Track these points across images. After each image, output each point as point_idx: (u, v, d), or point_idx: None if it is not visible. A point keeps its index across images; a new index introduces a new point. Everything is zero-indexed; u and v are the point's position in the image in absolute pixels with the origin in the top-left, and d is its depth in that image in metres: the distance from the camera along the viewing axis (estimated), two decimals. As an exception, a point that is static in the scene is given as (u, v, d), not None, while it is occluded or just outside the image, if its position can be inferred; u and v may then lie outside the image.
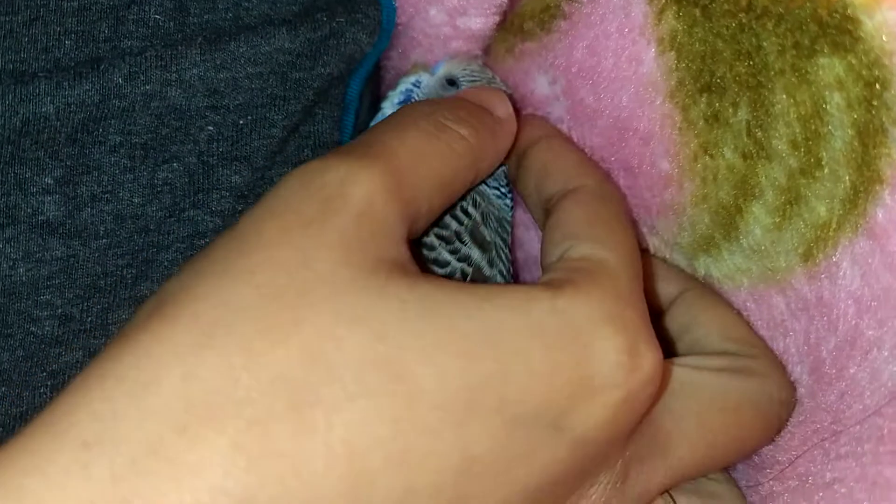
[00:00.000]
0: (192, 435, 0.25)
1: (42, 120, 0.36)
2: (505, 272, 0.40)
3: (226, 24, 0.39)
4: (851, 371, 0.35)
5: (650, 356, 0.31)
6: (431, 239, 0.38)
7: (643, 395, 0.31)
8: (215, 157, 0.39)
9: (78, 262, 0.37)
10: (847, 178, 0.34)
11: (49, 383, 0.37)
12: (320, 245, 0.28)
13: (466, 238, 0.39)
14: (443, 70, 0.43)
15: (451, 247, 0.38)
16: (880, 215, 0.33)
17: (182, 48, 0.38)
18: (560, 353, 0.29)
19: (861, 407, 0.35)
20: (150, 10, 0.38)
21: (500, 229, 0.41)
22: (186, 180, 0.38)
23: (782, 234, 0.36)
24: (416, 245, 0.38)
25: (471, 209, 0.39)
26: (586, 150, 0.42)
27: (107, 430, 0.25)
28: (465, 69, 0.42)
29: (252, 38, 0.39)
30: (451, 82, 0.42)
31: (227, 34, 0.38)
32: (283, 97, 0.40)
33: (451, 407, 0.27)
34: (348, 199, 0.29)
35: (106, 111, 0.37)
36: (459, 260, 0.38)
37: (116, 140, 0.37)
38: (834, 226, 0.35)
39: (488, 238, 0.39)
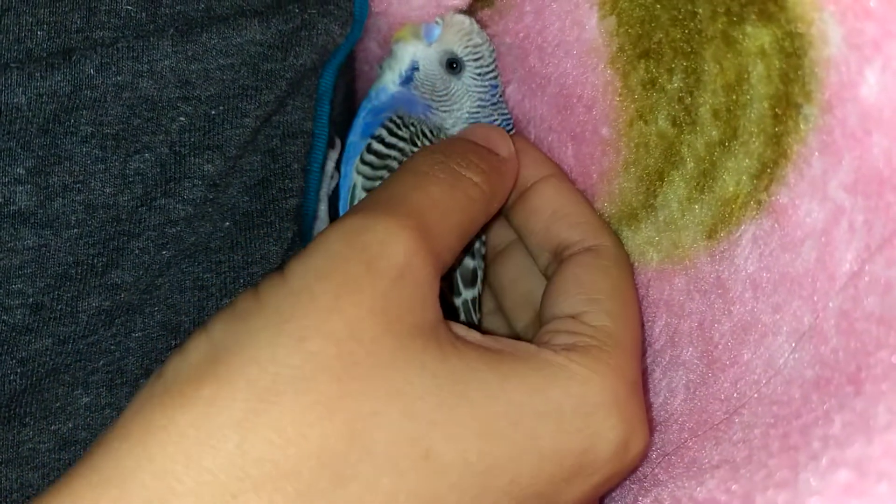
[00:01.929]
0: (242, 502, 0.27)
1: (14, 110, 0.36)
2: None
3: (198, 15, 0.39)
4: (746, 357, 0.35)
5: (641, 443, 0.34)
6: None
7: (628, 471, 0.35)
8: (187, 147, 0.39)
9: (49, 252, 0.37)
10: (757, 152, 0.34)
11: (19, 370, 0.37)
12: (366, 313, 0.30)
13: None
14: (441, 44, 0.42)
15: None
16: (783, 195, 0.33)
17: (154, 39, 0.38)
18: (569, 437, 0.32)
19: (756, 396, 0.35)
20: (122, 1, 0.38)
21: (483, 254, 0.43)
22: (158, 170, 0.39)
23: (693, 207, 0.37)
24: None
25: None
26: (535, 120, 0.42)
27: (167, 488, 0.27)
28: (466, 46, 0.41)
29: (224, 30, 0.39)
30: (454, 63, 0.41)
31: (199, 25, 0.38)
32: (256, 88, 0.40)
33: (468, 486, 0.30)
34: (390, 259, 0.31)
35: (77, 102, 0.37)
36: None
37: (88, 131, 0.37)
38: (740, 202, 0.35)
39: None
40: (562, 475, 0.32)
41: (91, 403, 0.39)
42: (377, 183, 0.41)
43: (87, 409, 0.39)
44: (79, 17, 0.37)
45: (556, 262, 0.39)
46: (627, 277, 0.38)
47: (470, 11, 0.42)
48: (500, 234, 0.44)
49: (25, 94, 0.36)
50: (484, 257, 0.43)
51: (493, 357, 0.32)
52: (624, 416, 0.33)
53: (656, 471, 0.37)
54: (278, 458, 0.28)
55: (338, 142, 0.44)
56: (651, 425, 0.38)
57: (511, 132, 0.42)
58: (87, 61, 0.37)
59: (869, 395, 0.30)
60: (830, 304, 0.32)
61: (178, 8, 0.38)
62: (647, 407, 0.39)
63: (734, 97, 0.34)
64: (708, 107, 0.35)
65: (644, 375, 0.39)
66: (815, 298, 0.33)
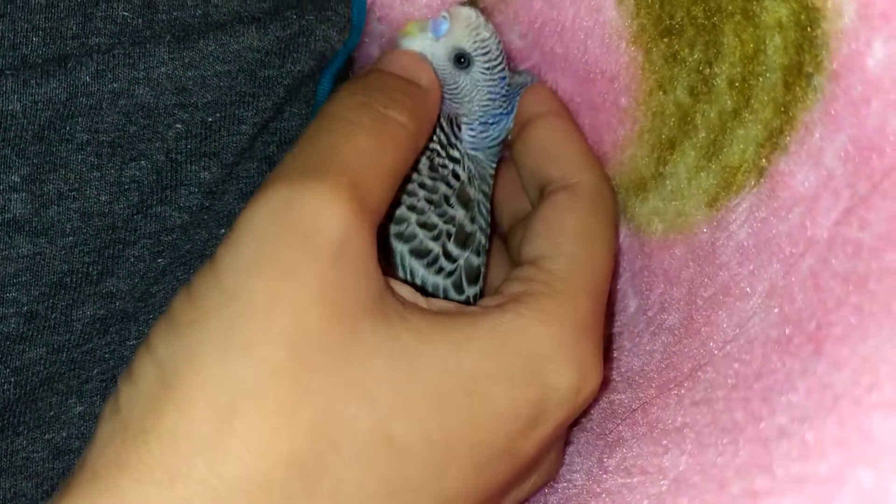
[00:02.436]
0: None
1: (9, 117, 0.36)
2: (484, 224, 0.42)
3: (195, 21, 0.38)
4: (719, 318, 0.36)
5: (594, 382, 0.34)
6: (402, 211, 0.40)
7: (581, 409, 0.35)
8: (183, 155, 0.39)
9: (44, 260, 0.37)
10: (765, 120, 0.35)
11: (13, 379, 0.37)
12: (310, 303, 0.29)
13: (453, 200, 0.40)
14: (449, 39, 0.41)
15: (439, 210, 0.40)
16: (782, 163, 0.34)
17: (150, 46, 0.37)
18: (522, 393, 0.32)
19: (721, 354, 0.35)
20: (118, 7, 0.37)
21: (482, 185, 0.42)
22: (154, 177, 0.38)
23: (699, 175, 0.37)
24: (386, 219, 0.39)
25: (461, 172, 0.41)
26: (557, 92, 0.43)
27: None
28: (474, 41, 0.41)
29: (221, 37, 0.39)
30: (461, 59, 0.41)
31: (195, 32, 0.38)
32: (253, 94, 0.40)
33: (432, 461, 0.30)
34: (327, 235, 0.30)
35: (73, 109, 0.37)
36: (446, 222, 0.40)
37: (83, 138, 0.37)
38: (743, 169, 0.36)
39: (472, 196, 0.41)
40: (519, 429, 0.32)
41: (85, 412, 0.39)
42: None
43: (81, 418, 0.39)
44: (75, 24, 0.37)
45: (539, 200, 0.39)
46: (601, 215, 0.38)
47: (473, 4, 0.42)
48: (522, 202, 0.43)
49: (21, 101, 0.36)
50: (489, 253, 0.42)
51: (443, 323, 0.32)
52: (573, 362, 0.33)
53: (621, 427, 0.38)
54: (249, 473, 0.28)
55: None
56: (622, 386, 0.39)
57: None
58: (83, 68, 0.36)
59: (830, 358, 0.30)
60: (803, 265, 0.33)
61: (174, 14, 0.38)
62: (620, 376, 0.39)
63: (751, 67, 0.35)
64: (725, 77, 0.36)
65: (632, 341, 0.40)
66: (791, 261, 0.33)
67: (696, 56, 0.37)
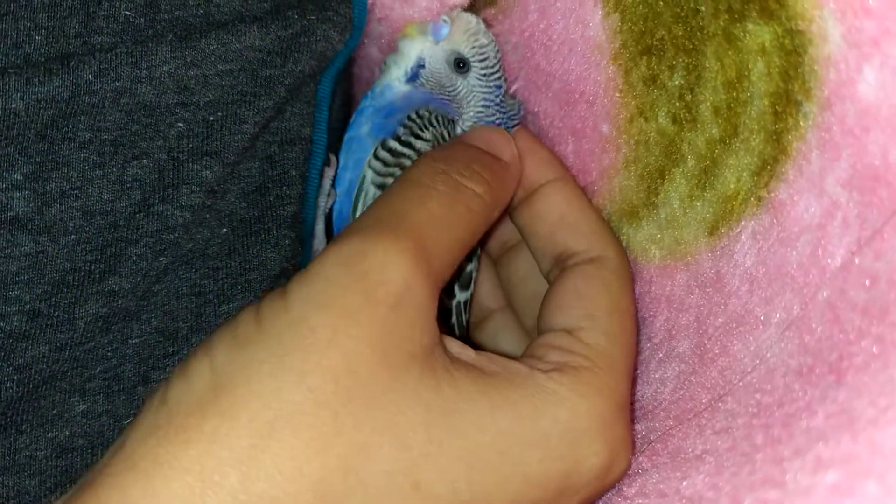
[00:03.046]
0: None
1: (11, 116, 0.36)
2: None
3: (197, 20, 0.39)
4: (735, 348, 0.36)
5: (624, 464, 0.35)
6: None
7: (608, 489, 0.35)
8: (185, 153, 0.39)
9: (47, 258, 0.37)
10: (758, 149, 0.35)
11: (16, 377, 0.37)
12: (363, 345, 0.30)
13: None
14: (448, 43, 0.41)
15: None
16: (782, 191, 0.34)
17: (152, 45, 0.38)
18: (554, 463, 0.32)
19: (742, 384, 0.35)
20: (120, 6, 0.37)
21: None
22: (156, 176, 0.39)
23: (695, 204, 0.37)
24: None
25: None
26: (539, 116, 0.42)
27: None
28: (473, 46, 0.41)
29: (223, 36, 0.39)
30: (461, 63, 0.41)
31: (197, 31, 0.38)
32: (255, 94, 0.40)
33: None
34: (388, 287, 0.31)
35: (76, 108, 0.37)
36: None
37: (86, 136, 0.37)
38: (741, 198, 0.35)
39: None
40: (545, 498, 0.33)
41: (88, 410, 0.39)
42: (388, 180, 0.41)
43: (83, 417, 0.39)
44: (77, 23, 0.37)
45: (557, 270, 0.39)
46: (628, 292, 0.38)
47: (472, 11, 0.42)
48: (512, 230, 0.43)
49: (23, 100, 0.36)
50: (479, 258, 0.43)
51: (485, 382, 0.32)
52: (608, 440, 0.33)
53: (640, 459, 0.38)
54: (277, 493, 0.29)
55: (333, 159, 0.44)
56: (636, 416, 0.39)
57: (517, 125, 0.42)
58: (86, 67, 0.37)
59: (851, 386, 0.30)
60: (819, 296, 0.33)
61: (176, 14, 0.38)
62: (632, 405, 0.39)
63: (735, 94, 0.35)
64: (709, 104, 0.36)
65: (636, 369, 0.40)
66: (805, 291, 0.33)
67: (676, 81, 0.37)
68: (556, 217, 0.40)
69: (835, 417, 0.30)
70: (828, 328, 0.32)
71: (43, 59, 0.36)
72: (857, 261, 0.31)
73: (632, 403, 0.39)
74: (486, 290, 0.45)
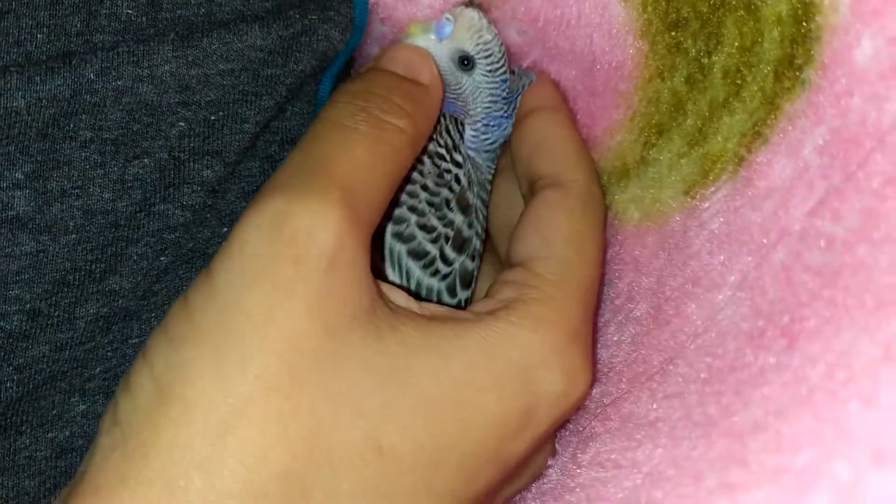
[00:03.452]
0: None
1: (13, 114, 0.36)
2: (480, 230, 0.42)
3: (198, 19, 0.38)
4: (689, 310, 0.36)
5: (584, 385, 0.35)
6: (403, 212, 0.40)
7: (571, 412, 0.35)
8: (186, 153, 0.39)
9: (47, 258, 0.37)
10: (751, 110, 0.35)
11: (15, 377, 0.37)
12: (302, 318, 0.29)
13: (454, 205, 0.41)
14: (453, 41, 0.41)
15: (439, 213, 0.40)
16: (761, 154, 0.34)
17: (154, 44, 0.37)
18: (512, 401, 0.32)
19: (693, 347, 0.35)
20: (122, 5, 0.37)
21: (481, 192, 0.42)
22: (157, 176, 0.38)
23: (681, 162, 0.38)
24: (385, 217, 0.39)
25: (462, 178, 0.41)
26: (560, 81, 0.43)
27: None
28: (477, 43, 0.41)
29: (224, 35, 0.39)
30: (465, 61, 0.41)
31: (199, 30, 0.38)
32: (256, 93, 0.40)
33: (422, 468, 0.31)
34: (319, 249, 0.30)
35: (77, 106, 0.37)
36: (445, 225, 0.40)
37: (87, 135, 0.37)
38: (724, 158, 0.36)
39: (471, 202, 0.41)
40: (508, 436, 0.33)
41: (88, 411, 0.39)
42: None
43: (83, 417, 0.39)
44: (79, 21, 0.37)
45: (530, 194, 0.39)
46: (592, 218, 0.38)
47: (474, 5, 0.42)
48: None
49: (25, 98, 0.36)
50: (481, 256, 0.42)
51: (433, 333, 0.32)
52: (563, 367, 0.34)
53: (593, 423, 0.38)
54: (245, 486, 0.28)
55: None
56: (595, 376, 0.38)
57: None
58: (87, 65, 0.36)
59: (803, 352, 0.30)
60: (774, 258, 0.33)
61: (178, 13, 0.38)
62: (593, 351, 0.39)
63: (745, 59, 0.35)
64: (720, 66, 0.36)
65: (597, 331, 0.40)
66: (762, 252, 0.33)
67: (698, 46, 0.37)
68: (535, 141, 0.40)
69: (790, 387, 0.30)
70: (781, 290, 0.32)
71: (44, 58, 0.36)
72: (815, 222, 0.32)
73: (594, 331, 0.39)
74: (484, 277, 0.45)
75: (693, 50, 0.38)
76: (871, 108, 0.30)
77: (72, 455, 0.38)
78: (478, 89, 0.41)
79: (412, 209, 0.40)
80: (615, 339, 0.39)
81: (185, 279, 0.40)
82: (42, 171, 0.37)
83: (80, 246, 0.37)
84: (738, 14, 0.36)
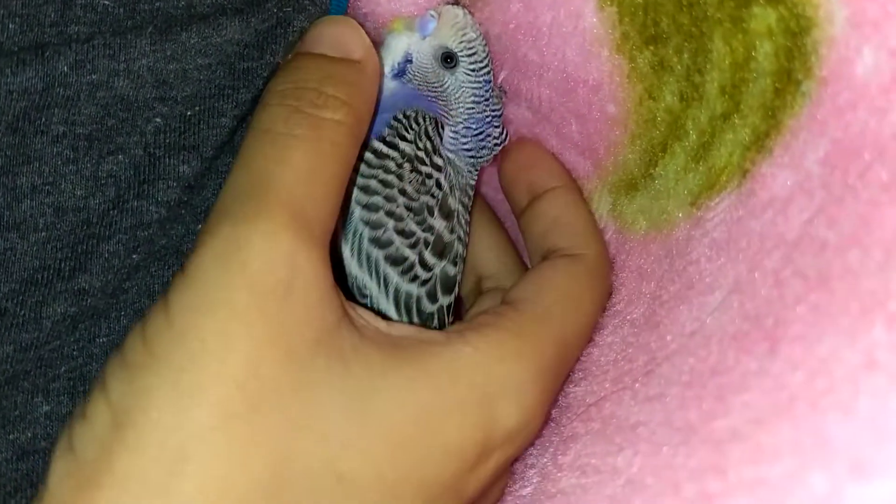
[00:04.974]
0: None
1: None
2: (462, 234, 0.42)
3: (178, 12, 0.37)
4: (680, 312, 0.36)
5: (536, 424, 0.35)
6: (380, 216, 0.39)
7: (522, 448, 0.35)
8: (162, 149, 0.38)
9: (15, 256, 0.36)
10: (753, 124, 0.35)
11: None
12: (261, 345, 0.29)
13: (435, 210, 0.40)
14: (436, 38, 0.41)
15: (419, 217, 0.40)
16: (765, 166, 0.34)
17: (131, 37, 0.36)
18: (471, 429, 0.32)
19: (677, 348, 0.36)
20: None
21: (463, 197, 0.42)
22: (131, 172, 0.37)
23: (687, 176, 0.38)
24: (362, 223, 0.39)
25: (443, 182, 0.40)
26: (534, 101, 0.42)
27: None
28: (461, 41, 0.40)
29: (204, 29, 0.37)
30: (448, 59, 0.40)
31: (178, 24, 0.37)
32: (233, 87, 0.39)
33: (382, 497, 0.30)
34: (274, 274, 0.30)
35: (49, 100, 0.35)
36: (424, 230, 0.40)
37: (59, 130, 0.36)
38: (728, 171, 0.36)
39: (453, 207, 0.41)
40: (465, 466, 0.32)
41: (51, 412, 0.38)
42: (371, 182, 0.40)
43: (47, 418, 0.38)
44: (53, 11, 0.35)
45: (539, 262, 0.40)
46: (594, 288, 0.38)
47: (459, 4, 0.41)
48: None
49: None
50: (465, 260, 0.42)
51: (399, 356, 0.32)
52: (524, 404, 0.34)
53: (575, 423, 0.38)
54: None
55: None
56: (578, 377, 0.39)
57: (503, 134, 0.42)
58: (61, 58, 0.35)
59: (785, 358, 0.30)
60: (768, 263, 0.33)
61: (157, 4, 0.37)
62: (579, 364, 0.40)
63: (741, 74, 0.35)
64: (715, 83, 0.36)
65: (595, 332, 0.40)
66: (758, 258, 0.33)
67: (684, 63, 0.37)
68: (551, 218, 0.40)
69: (771, 394, 0.30)
70: (769, 293, 0.32)
71: (16, 49, 0.35)
72: (811, 230, 0.32)
73: (583, 357, 0.40)
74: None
75: (679, 67, 0.37)
76: (873, 119, 0.31)
77: (34, 457, 0.37)
78: (460, 88, 0.41)
79: (389, 214, 0.39)
80: (608, 339, 0.40)
81: (157, 277, 0.39)
82: (12, 166, 0.35)
83: (50, 244, 0.36)
84: (725, 27, 0.35)
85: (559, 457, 0.37)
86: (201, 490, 0.28)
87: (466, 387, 0.32)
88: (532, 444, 0.38)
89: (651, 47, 0.38)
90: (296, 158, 0.32)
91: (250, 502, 0.29)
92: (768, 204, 0.34)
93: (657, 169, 0.39)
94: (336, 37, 0.37)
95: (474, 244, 0.44)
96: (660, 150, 0.39)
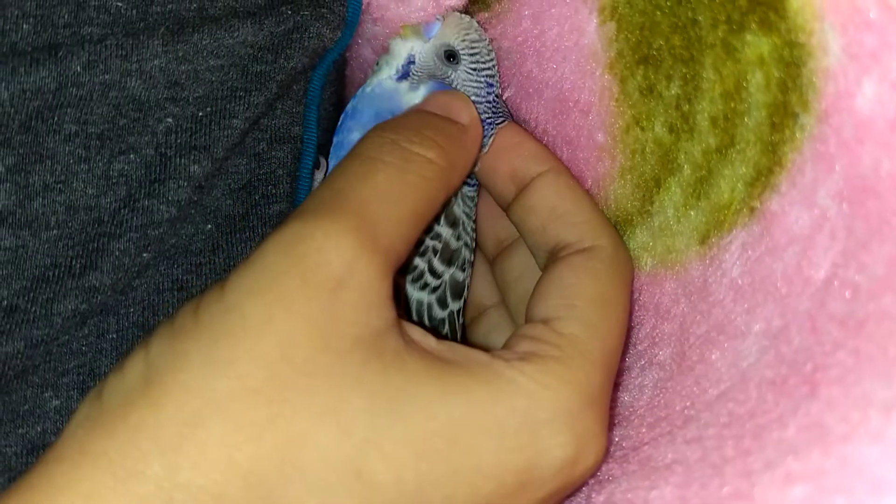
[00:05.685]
0: None
1: None
2: (469, 241, 0.42)
3: (190, 14, 0.38)
4: (713, 357, 0.36)
5: (593, 457, 0.33)
6: None
7: (579, 483, 0.33)
8: (173, 149, 0.38)
9: (27, 253, 0.36)
10: (753, 160, 0.34)
11: None
12: (300, 330, 0.29)
13: (441, 218, 0.40)
14: (439, 38, 0.41)
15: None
16: (774, 202, 0.34)
17: (144, 38, 0.36)
18: (511, 455, 0.31)
19: (716, 394, 0.35)
20: None
21: (466, 208, 0.42)
22: (143, 172, 0.38)
23: (689, 213, 0.37)
24: None
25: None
26: (531, 124, 0.42)
27: None
28: (463, 39, 0.40)
29: (216, 31, 0.38)
30: (451, 55, 0.40)
31: (190, 25, 0.37)
32: (245, 89, 0.39)
33: (403, 503, 0.30)
34: (327, 270, 0.30)
35: (62, 99, 0.36)
36: (432, 238, 0.40)
37: (72, 129, 0.36)
38: (733, 208, 0.35)
39: (458, 215, 0.41)
40: (502, 492, 0.31)
41: (61, 406, 0.38)
42: None
43: (56, 413, 0.38)
44: (67, 12, 0.36)
45: (551, 262, 0.38)
46: (618, 282, 0.37)
47: (467, 14, 0.42)
48: (508, 228, 0.42)
49: (8, 90, 0.35)
50: (472, 266, 0.42)
51: (440, 368, 0.31)
52: (575, 432, 0.32)
53: (611, 465, 0.37)
54: (203, 481, 0.28)
55: (323, 162, 0.43)
56: (612, 422, 0.38)
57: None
58: (74, 58, 0.35)
59: (824, 399, 0.30)
60: (800, 307, 0.32)
61: (169, 7, 0.37)
62: (611, 411, 0.38)
63: (732, 105, 0.34)
64: (706, 114, 0.35)
65: (620, 375, 0.39)
66: (788, 302, 0.33)
67: (673, 91, 0.36)
68: (547, 209, 0.39)
69: (806, 431, 0.30)
70: (805, 339, 0.32)
71: (30, 49, 0.35)
72: (840, 273, 0.31)
73: (612, 402, 0.39)
74: (481, 287, 0.44)
75: (667, 94, 0.36)
76: (885, 157, 0.30)
77: (43, 451, 0.38)
78: (462, 87, 0.40)
79: None
80: (637, 382, 0.39)
81: (166, 275, 0.40)
82: (24, 164, 0.36)
83: (62, 242, 0.37)
84: (715, 52, 0.34)
85: (593, 496, 0.36)
86: (205, 456, 0.28)
87: (507, 409, 0.31)
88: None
89: (642, 69, 0.37)
90: (378, 179, 0.33)
91: (256, 480, 0.28)
92: (788, 244, 0.33)
93: (654, 205, 0.38)
94: (446, 102, 0.38)
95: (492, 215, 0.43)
96: (653, 184, 0.38)
